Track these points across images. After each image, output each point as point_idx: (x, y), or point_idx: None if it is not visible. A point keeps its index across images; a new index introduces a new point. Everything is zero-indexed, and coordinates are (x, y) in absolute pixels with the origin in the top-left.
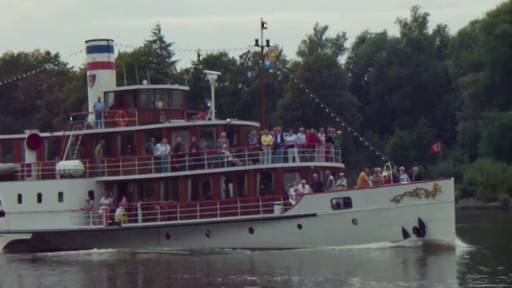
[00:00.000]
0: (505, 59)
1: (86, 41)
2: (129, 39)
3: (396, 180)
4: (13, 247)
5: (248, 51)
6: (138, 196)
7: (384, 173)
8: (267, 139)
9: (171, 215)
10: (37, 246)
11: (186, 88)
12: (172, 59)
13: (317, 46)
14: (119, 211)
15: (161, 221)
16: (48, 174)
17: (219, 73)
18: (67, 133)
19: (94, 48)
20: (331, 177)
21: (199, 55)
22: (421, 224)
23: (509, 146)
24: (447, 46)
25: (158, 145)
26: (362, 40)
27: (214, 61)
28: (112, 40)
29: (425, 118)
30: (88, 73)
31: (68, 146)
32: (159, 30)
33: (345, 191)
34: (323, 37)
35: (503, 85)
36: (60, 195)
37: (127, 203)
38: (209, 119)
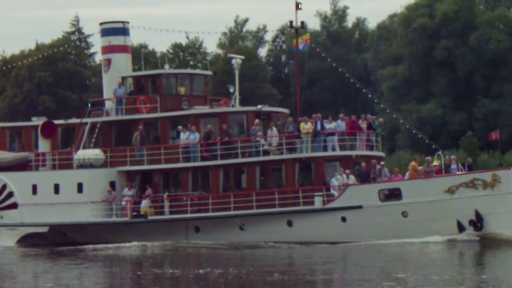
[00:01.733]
0: (423, 53)
1: (101, 24)
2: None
3: (447, 170)
4: (27, 240)
5: (283, 33)
6: (163, 187)
7: (435, 162)
8: (306, 126)
9: (201, 207)
10: (53, 239)
11: (209, 73)
12: (92, 50)
13: (237, 38)
14: (145, 203)
15: (191, 214)
16: (64, 164)
17: (243, 57)
18: (84, 120)
19: (109, 30)
20: (379, 166)
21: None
22: (479, 217)
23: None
24: (366, 39)
25: (187, 132)
26: (282, 32)
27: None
28: (128, 22)
29: (345, 111)
30: (103, 57)
31: (85, 135)
32: (78, 21)
33: (395, 181)
34: (244, 29)
35: (421, 78)
36: (80, 186)
37: (152, 195)
38: (233, 105)
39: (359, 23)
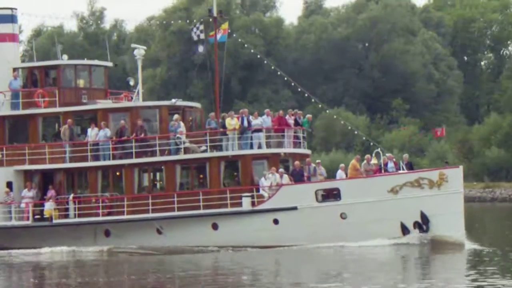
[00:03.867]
0: (181, 55)
1: None
2: None
3: (385, 169)
4: None
5: (201, 22)
6: (68, 188)
7: (374, 161)
8: (232, 122)
9: (112, 210)
10: None
11: (110, 64)
12: None
13: None
14: (49, 205)
15: (102, 216)
16: None
17: (145, 47)
18: None
19: None
20: (313, 165)
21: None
22: (424, 218)
23: None
24: (125, 41)
25: (95, 129)
26: (38, 33)
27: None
28: (16, 9)
29: None
30: None
31: None
32: None
33: (333, 181)
34: None
35: (179, 81)
36: None
37: (56, 196)
38: (137, 99)
39: (117, 25)
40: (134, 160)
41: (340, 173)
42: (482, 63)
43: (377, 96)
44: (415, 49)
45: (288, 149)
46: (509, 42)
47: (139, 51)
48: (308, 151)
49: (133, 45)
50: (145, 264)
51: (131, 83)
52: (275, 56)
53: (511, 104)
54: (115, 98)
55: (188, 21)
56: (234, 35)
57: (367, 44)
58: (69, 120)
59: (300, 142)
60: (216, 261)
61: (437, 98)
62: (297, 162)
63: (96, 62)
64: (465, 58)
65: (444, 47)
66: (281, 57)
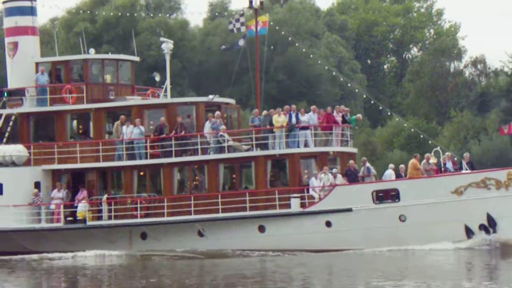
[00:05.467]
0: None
1: (4, 2)
2: None
3: (445, 169)
4: None
5: (241, 15)
6: (100, 189)
7: (432, 160)
8: (280, 119)
9: (150, 211)
10: None
11: (136, 58)
12: None
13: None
14: (82, 206)
15: (141, 218)
16: None
17: (172, 41)
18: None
19: (15, 10)
20: (368, 164)
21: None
22: (491, 220)
23: None
24: None
25: (130, 126)
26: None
27: None
28: (35, 1)
29: None
30: (8, 40)
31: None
32: None
33: (391, 181)
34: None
35: None
36: None
37: (88, 197)
38: (165, 95)
39: None
40: (174, 159)
41: (390, 173)
42: (385, 66)
43: (283, 98)
44: (319, 52)
45: (336, 147)
46: (411, 45)
47: (167, 45)
48: (355, 150)
49: (162, 39)
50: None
51: (157, 78)
52: (181, 58)
53: (413, 107)
54: (140, 95)
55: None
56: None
57: (272, 47)
58: (122, 117)
59: (347, 141)
60: (263, 266)
61: (341, 101)
62: (351, 161)
63: (123, 56)
64: (369, 61)
65: (348, 51)
66: (187, 59)
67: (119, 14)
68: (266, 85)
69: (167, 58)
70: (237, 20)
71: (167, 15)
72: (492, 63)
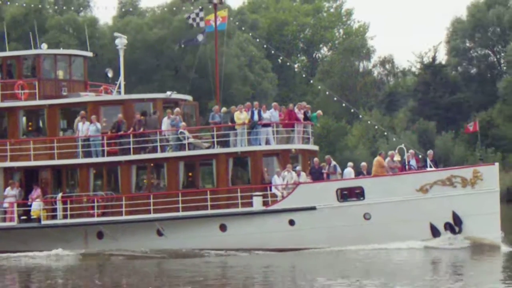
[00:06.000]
0: None
1: None
2: None
3: (409, 166)
4: None
5: (201, 9)
6: (54, 187)
7: (397, 157)
8: (241, 116)
9: (107, 210)
10: None
11: (89, 54)
12: None
13: None
14: (36, 205)
15: (97, 217)
16: None
17: (125, 36)
18: None
19: None
20: (334, 162)
21: None
22: (457, 219)
23: None
24: None
25: (86, 123)
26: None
27: None
28: None
29: None
30: None
31: None
32: None
33: (356, 179)
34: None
35: None
36: None
37: (42, 195)
38: (119, 92)
39: None
40: (132, 157)
41: (349, 172)
42: (296, 65)
43: (194, 97)
44: (230, 51)
45: (298, 145)
46: (321, 45)
47: (121, 40)
48: (316, 147)
49: (115, 34)
50: (145, 268)
51: (110, 74)
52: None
53: (324, 106)
54: (93, 91)
55: None
56: None
57: (183, 46)
58: (82, 112)
59: (309, 138)
60: (224, 265)
61: (252, 100)
62: (316, 159)
63: (75, 51)
64: (279, 60)
65: (259, 50)
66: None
67: (27, 11)
68: (177, 83)
69: (121, 53)
70: (197, 15)
71: (76, 12)
72: (400, 63)
